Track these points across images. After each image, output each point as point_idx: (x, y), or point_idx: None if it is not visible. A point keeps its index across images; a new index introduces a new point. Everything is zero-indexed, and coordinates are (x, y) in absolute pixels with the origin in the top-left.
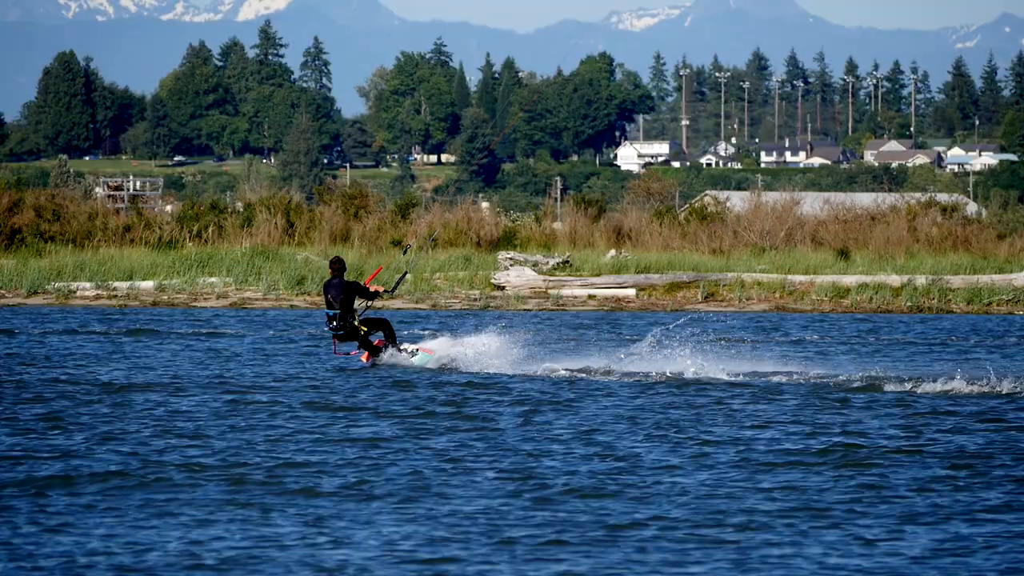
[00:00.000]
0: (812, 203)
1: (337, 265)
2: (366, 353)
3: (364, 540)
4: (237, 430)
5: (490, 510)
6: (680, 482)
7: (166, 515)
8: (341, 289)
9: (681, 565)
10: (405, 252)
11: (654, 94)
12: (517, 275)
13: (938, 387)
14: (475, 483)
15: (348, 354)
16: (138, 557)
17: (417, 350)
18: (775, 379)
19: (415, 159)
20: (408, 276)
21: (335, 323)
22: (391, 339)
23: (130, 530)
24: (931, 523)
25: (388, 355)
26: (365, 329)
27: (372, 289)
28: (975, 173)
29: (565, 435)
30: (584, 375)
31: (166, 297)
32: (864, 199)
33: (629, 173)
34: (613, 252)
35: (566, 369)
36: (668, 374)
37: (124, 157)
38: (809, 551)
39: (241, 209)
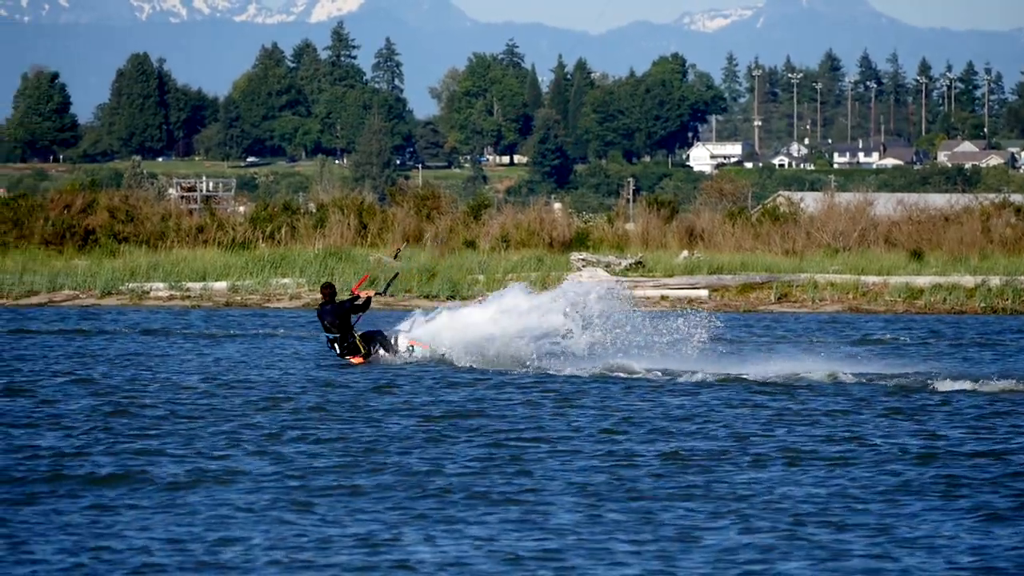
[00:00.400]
0: (885, 204)
1: (328, 291)
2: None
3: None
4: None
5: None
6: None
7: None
8: (335, 314)
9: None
10: (396, 256)
11: (726, 95)
12: (590, 276)
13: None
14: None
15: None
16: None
17: (412, 346)
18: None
19: (487, 160)
20: (398, 276)
21: (337, 347)
22: (387, 347)
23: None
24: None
25: (389, 356)
26: (364, 349)
27: (363, 296)
28: None
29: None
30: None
31: (239, 298)
32: (937, 200)
33: (701, 174)
34: (686, 253)
35: (644, 368)
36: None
37: (197, 158)
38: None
39: (314, 210)
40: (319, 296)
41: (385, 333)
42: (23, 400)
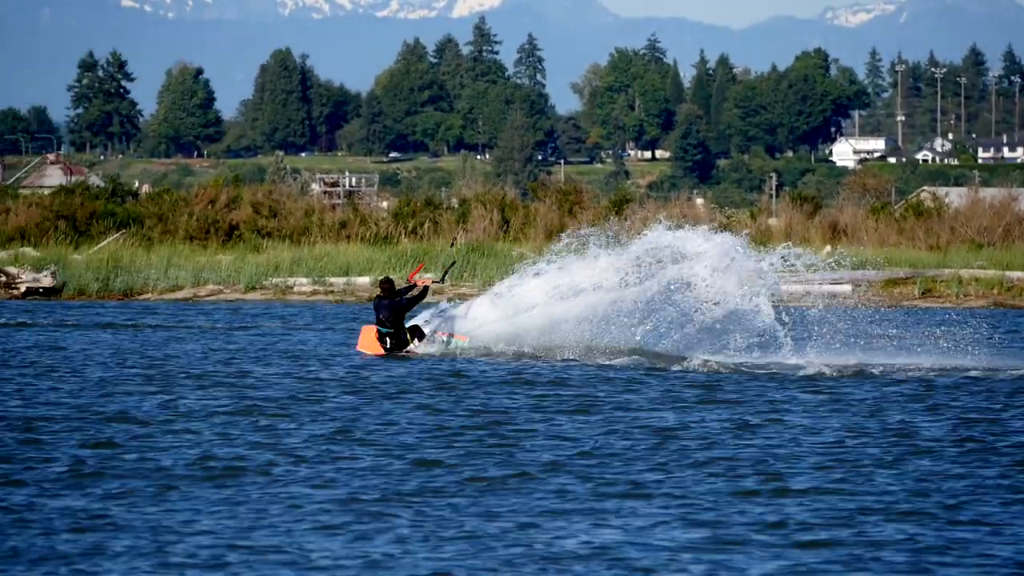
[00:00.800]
0: None
1: (387, 285)
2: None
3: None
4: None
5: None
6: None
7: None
8: (391, 309)
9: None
10: (452, 245)
11: (869, 90)
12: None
13: None
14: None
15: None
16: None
17: (451, 336)
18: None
19: (629, 155)
20: (456, 264)
21: (388, 341)
22: (421, 338)
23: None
24: None
25: (422, 346)
26: (415, 341)
27: (420, 285)
28: None
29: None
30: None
31: None
32: None
33: (844, 169)
34: (828, 248)
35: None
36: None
37: (340, 154)
38: None
39: (456, 205)
40: (463, 290)
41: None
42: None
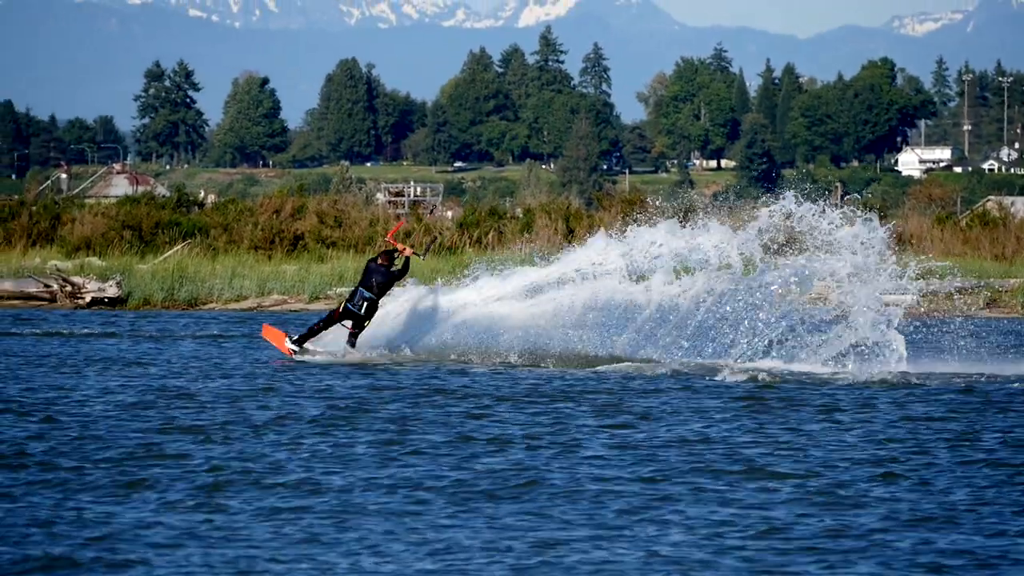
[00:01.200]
0: None
1: (388, 258)
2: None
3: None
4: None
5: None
6: None
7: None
8: (386, 277)
9: None
10: (424, 254)
11: (936, 99)
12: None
13: None
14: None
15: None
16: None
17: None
18: None
19: (694, 164)
20: (436, 241)
21: (366, 305)
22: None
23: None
24: None
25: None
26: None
27: (405, 256)
28: None
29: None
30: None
31: None
32: None
33: (910, 179)
34: (893, 257)
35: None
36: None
37: (405, 163)
38: None
39: (521, 215)
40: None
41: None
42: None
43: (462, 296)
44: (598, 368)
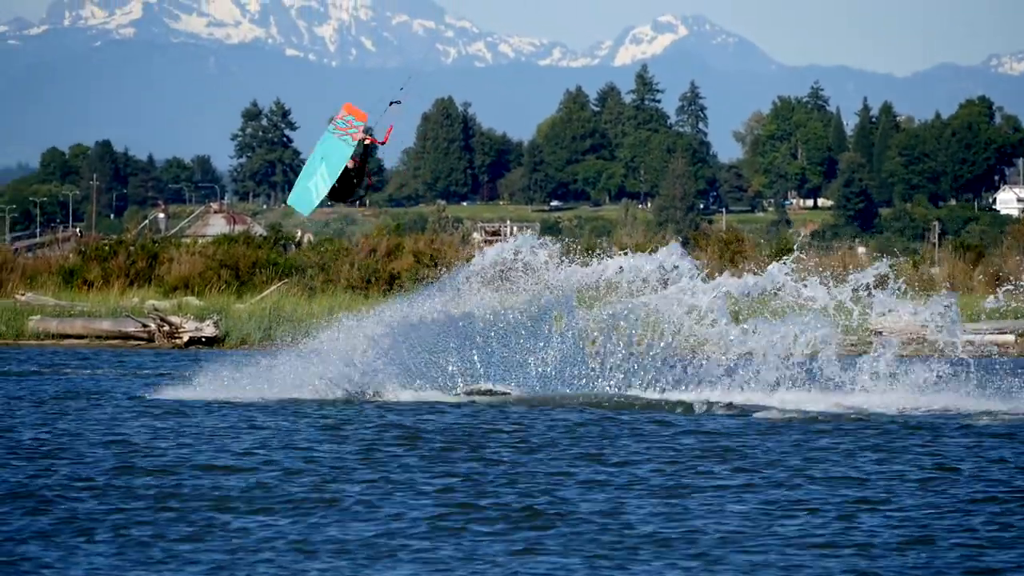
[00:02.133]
0: None
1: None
2: None
3: None
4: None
5: None
6: None
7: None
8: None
9: None
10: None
11: None
12: (895, 320)
13: None
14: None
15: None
16: None
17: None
18: None
19: (791, 203)
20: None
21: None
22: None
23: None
24: None
25: None
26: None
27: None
28: None
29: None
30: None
31: None
32: None
33: (1008, 217)
34: (992, 297)
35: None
36: None
37: (501, 202)
38: None
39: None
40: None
41: None
42: None
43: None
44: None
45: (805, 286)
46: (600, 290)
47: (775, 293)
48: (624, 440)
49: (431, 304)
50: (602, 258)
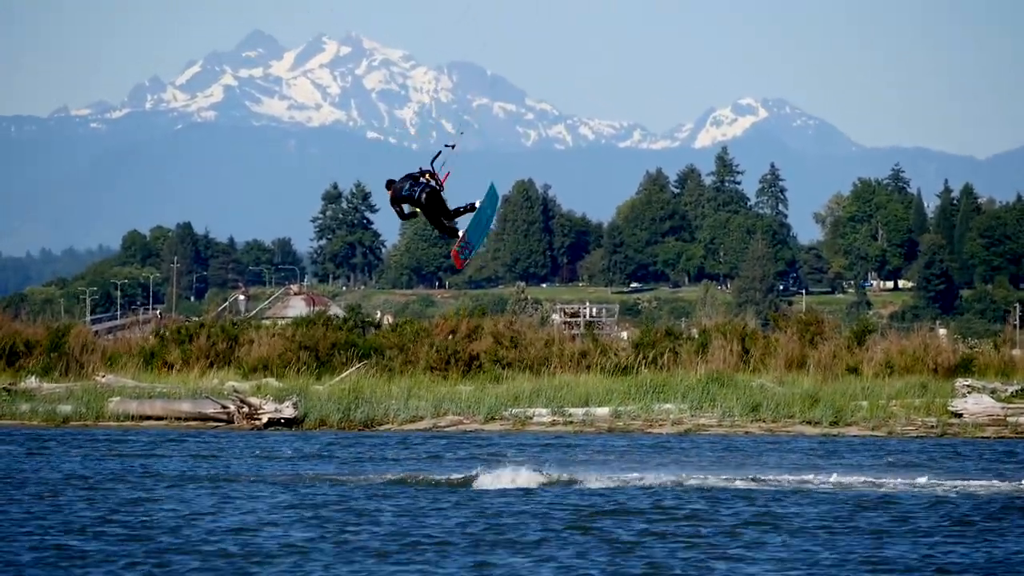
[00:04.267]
0: None
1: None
2: None
3: None
4: None
5: None
6: None
7: None
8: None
9: None
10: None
11: None
12: (975, 402)
13: None
14: None
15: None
16: None
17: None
18: None
19: (871, 285)
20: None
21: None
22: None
23: None
24: None
25: None
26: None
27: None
28: None
29: None
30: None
31: (621, 423)
32: None
33: None
34: None
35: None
36: None
37: (580, 284)
38: None
39: (696, 335)
40: (702, 421)
41: None
42: None
43: None
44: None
45: None
46: None
47: None
48: None
49: None
50: None
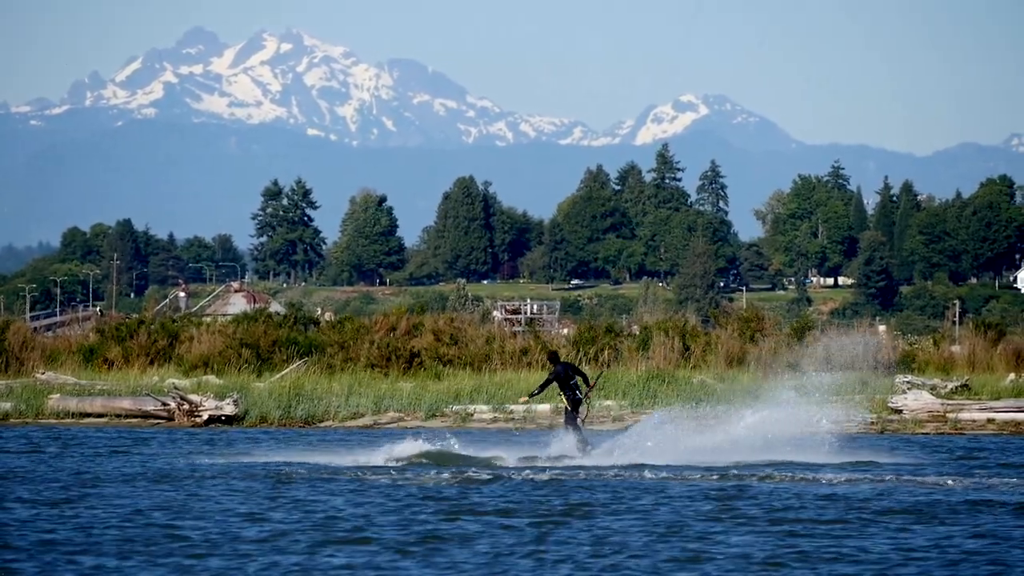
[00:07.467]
0: None
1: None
2: None
3: None
4: None
5: None
6: None
7: None
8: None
9: None
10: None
11: None
12: (914, 399)
13: None
14: None
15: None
16: None
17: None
18: None
19: (811, 282)
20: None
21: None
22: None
23: None
24: None
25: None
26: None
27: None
28: None
29: None
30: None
31: (562, 420)
32: None
33: None
34: (1013, 376)
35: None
36: None
37: (521, 281)
38: None
39: (637, 332)
40: (643, 418)
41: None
42: None
43: None
44: None
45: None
46: None
47: None
48: None
49: None
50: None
